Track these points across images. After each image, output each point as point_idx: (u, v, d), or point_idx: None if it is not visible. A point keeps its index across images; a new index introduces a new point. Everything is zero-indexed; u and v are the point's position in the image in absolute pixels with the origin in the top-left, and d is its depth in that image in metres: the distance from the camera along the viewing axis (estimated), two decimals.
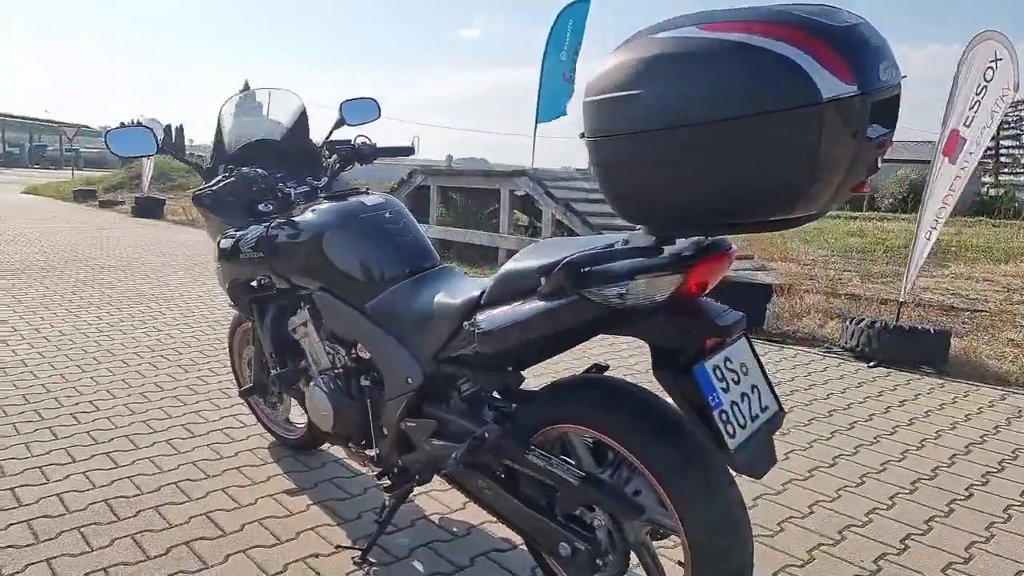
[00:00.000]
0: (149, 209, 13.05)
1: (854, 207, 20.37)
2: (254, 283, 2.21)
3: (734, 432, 1.28)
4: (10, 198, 16.98)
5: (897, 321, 4.49)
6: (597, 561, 1.51)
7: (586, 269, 1.34)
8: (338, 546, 2.01)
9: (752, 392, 1.37)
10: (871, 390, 3.78)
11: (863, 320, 4.49)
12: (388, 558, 2.00)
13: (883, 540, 2.19)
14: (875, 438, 3.06)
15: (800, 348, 4.69)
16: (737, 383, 1.34)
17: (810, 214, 1.18)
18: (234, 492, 2.34)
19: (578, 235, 7.49)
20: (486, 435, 1.60)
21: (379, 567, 1.95)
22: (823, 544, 2.15)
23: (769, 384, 1.42)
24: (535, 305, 1.44)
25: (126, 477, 2.41)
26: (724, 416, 1.28)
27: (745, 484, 2.28)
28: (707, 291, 1.36)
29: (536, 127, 10.54)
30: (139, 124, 2.09)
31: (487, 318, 1.53)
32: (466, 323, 1.58)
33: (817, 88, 1.00)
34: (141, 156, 2.14)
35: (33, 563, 1.89)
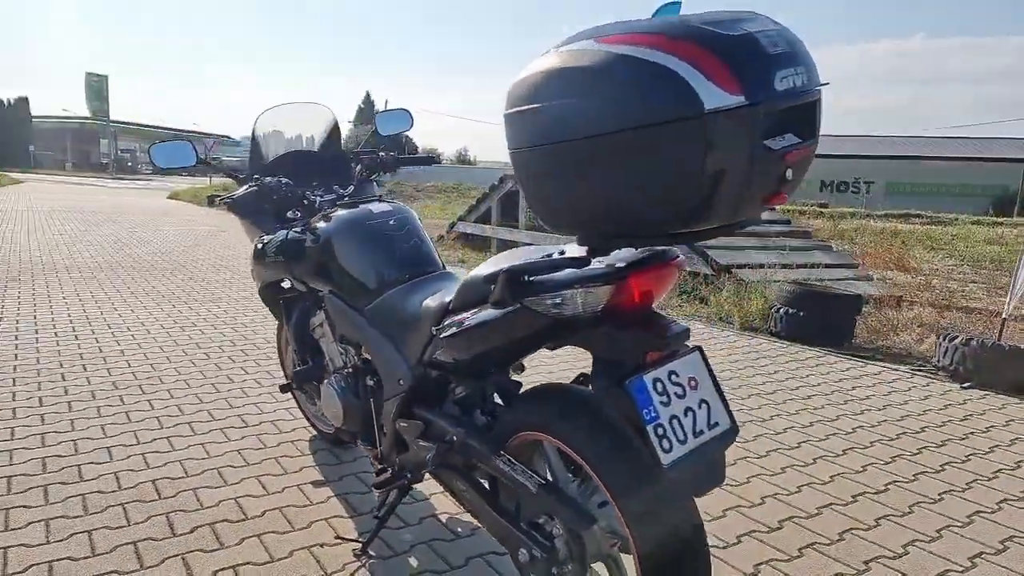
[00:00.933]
0: None
1: (998, 211, 18.52)
2: (283, 285, 2.35)
3: (670, 447, 1.25)
4: (156, 203, 18.79)
5: (998, 340, 4.07)
6: (553, 570, 1.50)
7: (527, 279, 1.34)
8: (338, 537, 2.10)
9: (699, 407, 1.32)
10: (955, 413, 3.46)
11: (957, 337, 4.11)
12: (387, 552, 2.06)
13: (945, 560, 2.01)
14: (941, 465, 2.80)
15: (886, 365, 4.36)
16: (681, 397, 1.30)
17: (727, 224, 1.16)
18: (266, 480, 2.49)
19: None
20: (454, 438, 1.63)
21: (376, 560, 2.02)
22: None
23: (723, 400, 1.36)
24: (487, 313, 1.46)
25: (177, 460, 2.63)
26: (659, 430, 1.25)
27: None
28: (653, 301, 1.34)
29: None
30: (180, 139, 2.28)
31: (449, 324, 1.56)
32: (433, 328, 1.62)
33: (699, 100, 0.99)
34: (181, 168, 2.32)
35: (77, 533, 2.11)
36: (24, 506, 2.24)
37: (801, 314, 5.08)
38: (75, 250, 8.35)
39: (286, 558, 2.02)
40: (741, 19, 1.05)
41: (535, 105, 1.15)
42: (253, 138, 2.46)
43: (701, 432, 1.30)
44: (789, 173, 1.08)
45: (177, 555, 2.01)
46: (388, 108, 2.55)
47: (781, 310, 5.20)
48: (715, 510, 2.36)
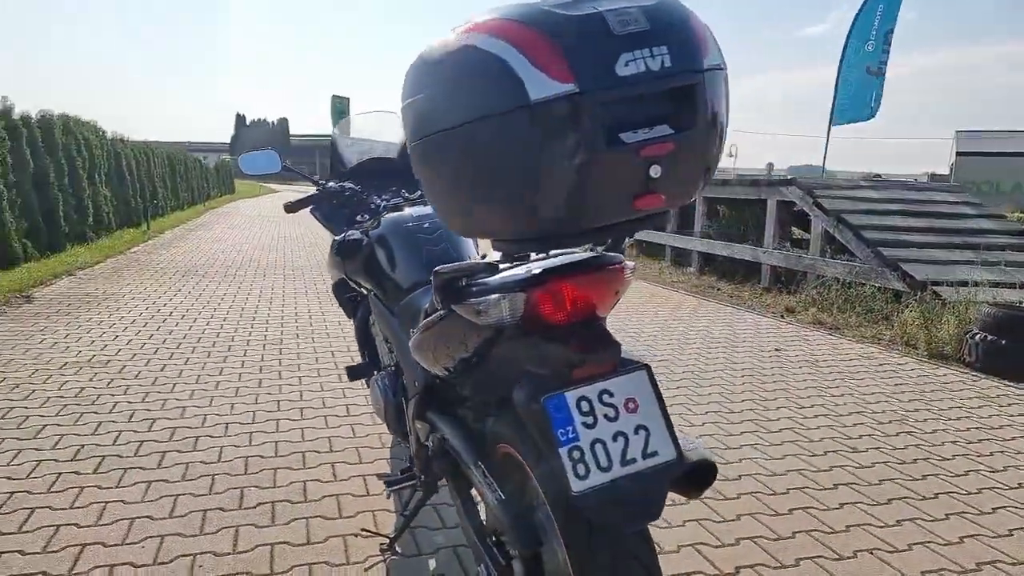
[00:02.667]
0: None
1: None
2: (351, 283, 2.47)
3: (586, 473, 1.11)
4: None
5: None
6: None
7: (459, 284, 1.28)
8: (364, 530, 2.14)
9: (635, 433, 1.15)
10: None
11: None
12: (412, 551, 2.07)
13: None
14: None
15: None
16: (612, 420, 1.14)
17: (614, 225, 1.07)
18: (339, 467, 2.63)
19: (852, 251, 6.56)
20: (430, 443, 1.59)
21: (398, 558, 2.03)
22: None
23: (668, 427, 1.17)
24: (429, 319, 1.41)
25: (273, 441, 2.86)
26: (576, 454, 1.11)
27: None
28: (596, 311, 1.21)
29: (830, 128, 9.46)
30: (266, 149, 2.53)
31: (416, 329, 1.53)
32: (412, 330, 1.59)
33: (526, 90, 0.91)
34: (267, 174, 2.53)
35: (166, 496, 2.38)
36: (140, 468, 2.58)
37: (1003, 342, 4.27)
38: (276, 247, 9.52)
39: (320, 543, 2.10)
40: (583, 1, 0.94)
41: (411, 99, 1.09)
42: (332, 146, 2.61)
43: (632, 461, 1.13)
44: (655, 170, 0.95)
45: (233, 526, 2.19)
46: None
47: (978, 336, 4.40)
48: None
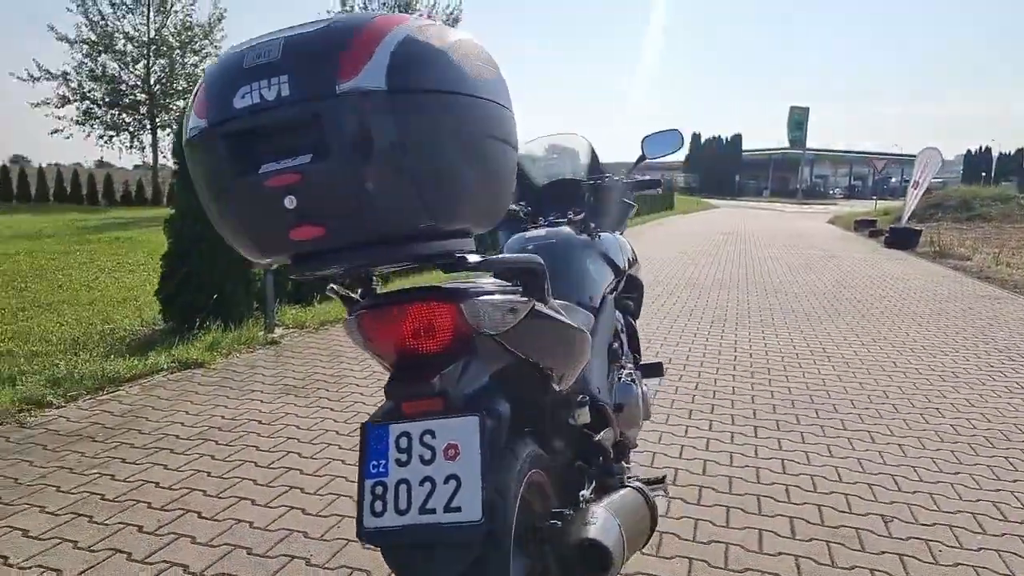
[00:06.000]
0: (902, 239, 12.71)
1: None
2: None
3: (382, 511, 1.07)
4: (805, 225, 19.52)
5: None
6: None
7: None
8: None
9: (444, 482, 1.06)
10: None
11: None
12: None
13: None
14: None
15: None
16: (426, 463, 1.08)
17: (279, 262, 1.08)
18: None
19: None
20: None
21: None
22: None
23: (484, 485, 1.05)
24: None
25: (831, 466, 2.66)
26: (379, 489, 1.08)
27: None
28: (436, 346, 1.13)
29: None
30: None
31: None
32: None
33: (185, 131, 1.00)
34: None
35: (750, 527, 2.36)
36: (712, 488, 2.64)
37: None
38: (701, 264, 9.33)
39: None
40: (267, 34, 0.98)
41: None
42: (519, 168, 2.56)
43: (431, 511, 1.05)
44: (289, 201, 0.93)
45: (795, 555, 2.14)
46: (658, 131, 2.45)
47: None
48: None
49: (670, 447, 3.01)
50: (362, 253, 1.02)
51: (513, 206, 2.47)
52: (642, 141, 2.45)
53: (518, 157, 2.93)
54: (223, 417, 3.27)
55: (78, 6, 22.47)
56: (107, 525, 2.25)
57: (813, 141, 56.88)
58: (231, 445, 2.93)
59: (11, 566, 2.01)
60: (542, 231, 2.19)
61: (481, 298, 1.14)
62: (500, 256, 1.23)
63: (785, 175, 59.80)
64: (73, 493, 2.47)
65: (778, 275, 8.91)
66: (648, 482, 1.79)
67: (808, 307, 6.55)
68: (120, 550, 2.11)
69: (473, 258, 1.12)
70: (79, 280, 7.11)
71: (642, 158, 2.45)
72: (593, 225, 2.22)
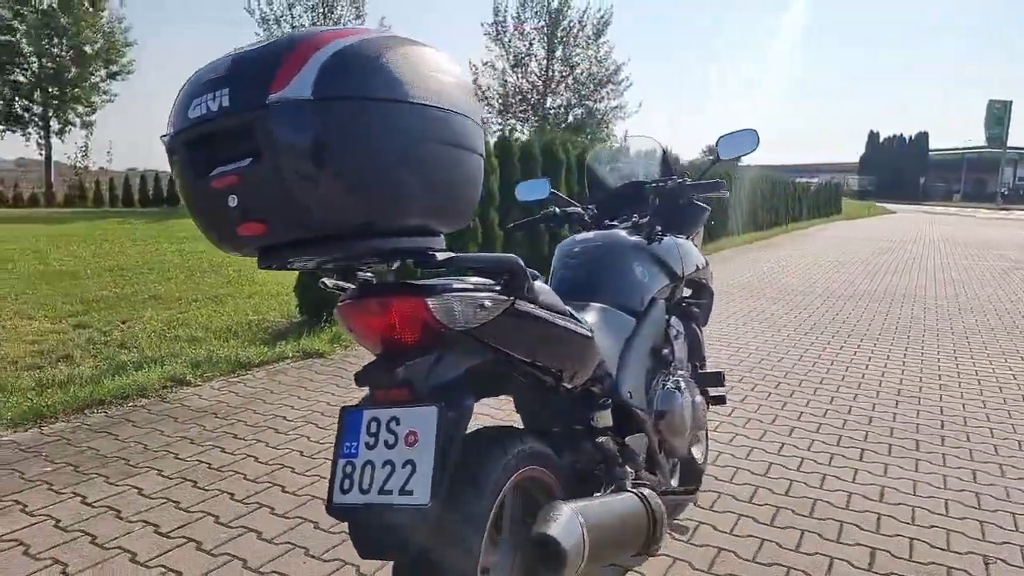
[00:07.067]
0: None
1: None
2: None
3: (348, 489, 1.16)
4: (1000, 235, 16.95)
5: None
6: None
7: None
8: None
9: (402, 467, 1.13)
10: None
11: None
12: None
13: None
14: None
15: None
16: (390, 447, 1.16)
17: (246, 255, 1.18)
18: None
19: None
20: None
21: None
22: None
23: (434, 473, 1.10)
24: None
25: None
26: (349, 468, 1.17)
27: None
28: (408, 337, 1.18)
29: None
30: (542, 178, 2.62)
31: None
32: None
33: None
34: (539, 200, 2.51)
35: (820, 554, 2.19)
36: (792, 509, 2.46)
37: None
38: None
39: None
40: (233, 51, 1.07)
41: None
42: (588, 172, 2.66)
43: (388, 492, 1.13)
44: (232, 200, 1.03)
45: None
46: (734, 130, 2.32)
47: None
48: None
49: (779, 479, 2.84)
50: (322, 248, 1.09)
51: (580, 208, 2.46)
52: (717, 141, 2.34)
53: (588, 159, 2.92)
54: (328, 404, 3.53)
55: None
56: (206, 491, 2.53)
57: (1016, 138, 50.28)
58: (327, 429, 3.17)
59: (121, 519, 2.33)
60: (591, 233, 2.19)
61: (447, 294, 1.17)
62: (472, 254, 1.26)
63: (982, 177, 53.37)
64: (187, 461, 2.80)
65: (1001, 295, 8.00)
66: (665, 492, 1.72)
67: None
68: (210, 513, 2.36)
69: (442, 255, 1.17)
70: (246, 276, 7.92)
71: (717, 158, 2.34)
72: (658, 228, 2.17)
